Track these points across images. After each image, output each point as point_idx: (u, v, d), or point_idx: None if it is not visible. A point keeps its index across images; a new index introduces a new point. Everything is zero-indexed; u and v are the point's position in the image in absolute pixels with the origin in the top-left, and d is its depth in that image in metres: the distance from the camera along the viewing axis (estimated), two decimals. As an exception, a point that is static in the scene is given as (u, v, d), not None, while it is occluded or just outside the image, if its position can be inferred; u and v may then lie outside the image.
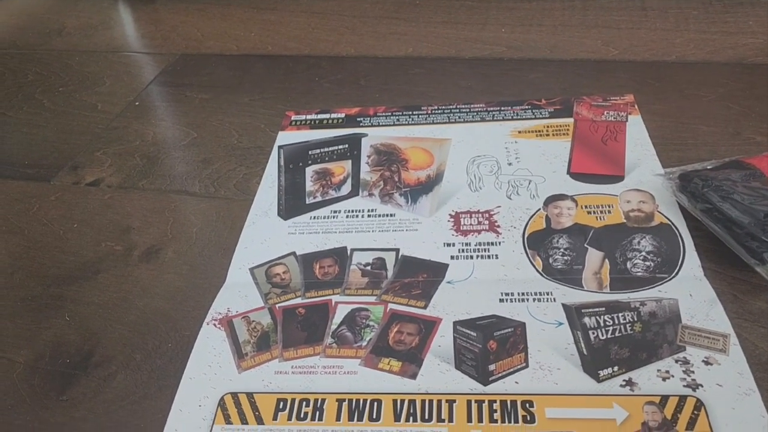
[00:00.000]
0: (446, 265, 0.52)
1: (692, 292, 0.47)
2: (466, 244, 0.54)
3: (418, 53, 0.84)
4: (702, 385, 0.41)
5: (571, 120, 0.66)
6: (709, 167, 0.55)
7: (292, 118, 0.73)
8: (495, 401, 0.41)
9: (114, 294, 0.55)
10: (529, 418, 0.40)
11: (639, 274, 0.49)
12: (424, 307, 0.48)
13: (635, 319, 0.45)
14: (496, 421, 0.40)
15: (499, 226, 0.55)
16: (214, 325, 0.49)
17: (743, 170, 0.53)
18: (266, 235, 0.57)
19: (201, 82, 0.84)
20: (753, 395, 0.40)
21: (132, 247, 0.59)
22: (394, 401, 0.42)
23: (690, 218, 0.53)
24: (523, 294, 0.48)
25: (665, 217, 0.54)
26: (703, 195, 0.51)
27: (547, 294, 0.48)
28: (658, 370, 0.42)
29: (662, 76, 0.73)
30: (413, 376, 0.43)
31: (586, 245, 0.52)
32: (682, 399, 0.40)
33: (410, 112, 0.71)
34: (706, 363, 0.42)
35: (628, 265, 0.50)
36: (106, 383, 0.48)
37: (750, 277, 0.48)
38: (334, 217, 0.58)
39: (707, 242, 0.51)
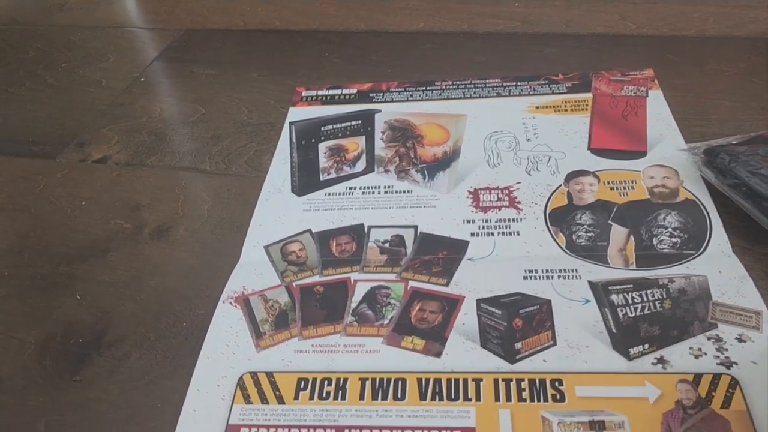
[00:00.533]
0: (467, 242, 0.51)
1: (721, 269, 0.46)
2: (487, 221, 0.52)
3: (430, 28, 0.82)
4: (736, 363, 0.39)
5: (589, 95, 0.65)
6: (734, 142, 0.53)
7: (303, 94, 0.71)
8: (523, 380, 0.40)
9: (125, 272, 0.54)
10: (558, 397, 0.39)
11: (665, 250, 0.48)
12: (446, 285, 0.47)
13: (664, 296, 0.44)
14: (524, 400, 0.39)
15: (519, 203, 0.53)
16: (230, 303, 0.48)
17: None
18: (280, 212, 0.56)
19: (207, 58, 0.83)
20: (789, 373, 0.39)
21: (142, 225, 0.58)
22: (419, 380, 0.41)
23: (717, 194, 0.51)
24: (547, 271, 0.47)
25: (690, 192, 0.52)
26: (730, 170, 0.49)
27: (573, 271, 0.47)
28: (690, 348, 0.41)
29: (681, 51, 0.71)
30: (438, 355, 0.42)
31: (610, 221, 0.51)
32: (716, 377, 0.39)
33: (424, 88, 0.69)
34: (740, 340, 0.41)
35: (654, 241, 0.49)
36: (121, 363, 0.46)
37: (780, 254, 0.46)
38: (349, 194, 0.57)
39: (735, 218, 0.50)
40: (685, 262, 0.47)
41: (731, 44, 0.71)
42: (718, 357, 0.40)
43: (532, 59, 0.73)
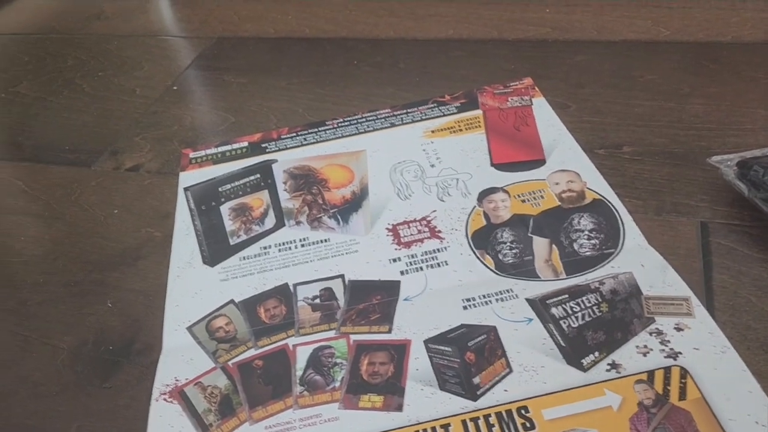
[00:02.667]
0: (398, 282, 0.50)
1: (643, 262, 0.47)
2: (412, 256, 0.51)
3: (459, 35, 0.82)
4: (681, 353, 0.41)
5: (479, 112, 0.66)
6: None
7: (191, 156, 0.67)
8: (490, 415, 0.39)
9: (155, 281, 0.54)
10: (528, 425, 0.39)
11: (588, 253, 0.49)
12: (389, 331, 0.46)
13: (599, 299, 0.45)
14: (496, 436, 0.38)
15: (440, 231, 0.53)
16: (164, 399, 0.44)
17: None
18: (196, 288, 0.52)
19: (238, 66, 0.84)
20: (729, 352, 0.41)
21: (172, 234, 0.58)
22: (387, 439, 0.39)
23: (749, 208, 0.51)
24: (484, 296, 0.47)
25: (596, 192, 0.54)
26: (764, 183, 0.49)
27: (508, 291, 0.47)
28: (637, 347, 0.42)
29: (718, 58, 0.70)
30: (399, 408, 0.41)
31: (529, 234, 0.52)
32: (667, 370, 0.40)
33: (316, 129, 0.68)
34: (678, 329, 0.42)
35: (575, 246, 0.50)
36: (149, 370, 0.46)
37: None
38: (265, 254, 0.54)
39: None
40: (608, 262, 0.48)
41: (768, 50, 0.71)
42: (663, 350, 0.41)
43: (562, 66, 0.73)
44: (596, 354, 0.42)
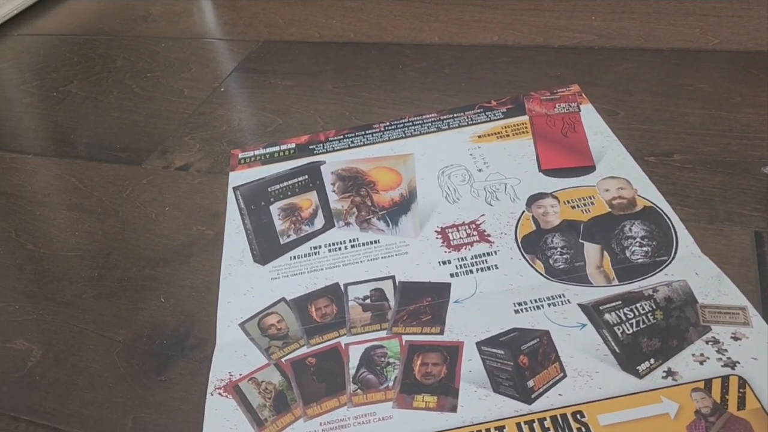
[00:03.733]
0: (448, 285, 0.50)
1: (697, 271, 0.47)
2: (462, 259, 0.52)
3: (504, 41, 0.83)
4: (739, 362, 0.40)
5: (526, 117, 0.66)
6: None
7: (240, 156, 0.68)
8: (545, 419, 0.39)
9: (206, 278, 0.55)
10: (584, 430, 0.39)
11: (640, 261, 0.49)
12: (441, 333, 0.46)
13: (654, 307, 0.45)
14: (552, 440, 0.38)
15: (489, 235, 0.53)
16: (219, 394, 0.45)
17: None
18: (247, 285, 0.53)
19: (284, 69, 0.85)
20: (788, 363, 0.40)
21: (222, 232, 0.59)
22: (441, 440, 0.40)
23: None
24: (536, 301, 0.47)
25: (647, 200, 0.54)
26: None
27: (560, 296, 0.47)
28: (693, 355, 0.42)
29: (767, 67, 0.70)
30: (453, 409, 0.41)
31: (580, 240, 0.52)
32: (725, 379, 0.40)
33: (363, 132, 0.69)
34: (735, 338, 0.42)
35: (627, 253, 0.50)
36: (202, 365, 0.48)
37: None
38: (315, 254, 0.55)
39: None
40: (661, 270, 0.48)
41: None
42: (720, 359, 0.41)
43: (608, 74, 0.73)
44: (651, 361, 0.42)
